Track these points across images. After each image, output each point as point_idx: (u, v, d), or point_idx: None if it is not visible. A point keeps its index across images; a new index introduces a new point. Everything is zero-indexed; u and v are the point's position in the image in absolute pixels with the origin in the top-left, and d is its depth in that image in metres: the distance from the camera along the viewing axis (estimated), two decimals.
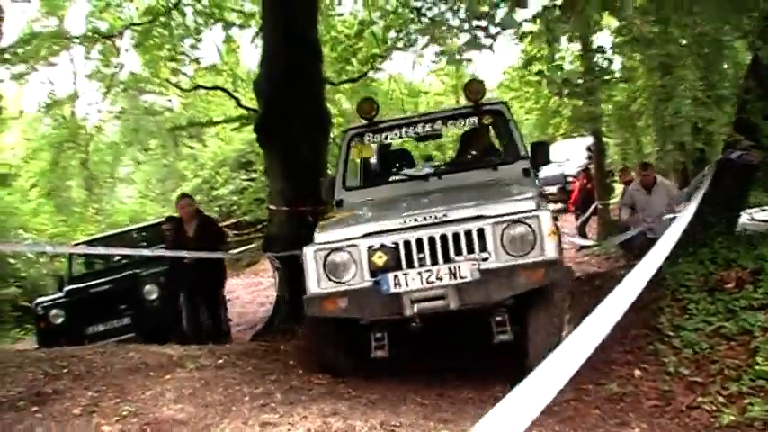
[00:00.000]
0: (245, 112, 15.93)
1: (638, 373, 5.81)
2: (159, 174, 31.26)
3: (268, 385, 5.54)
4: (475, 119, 7.28)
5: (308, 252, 5.80)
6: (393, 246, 5.61)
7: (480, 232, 5.52)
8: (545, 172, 16.15)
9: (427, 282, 5.46)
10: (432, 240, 5.57)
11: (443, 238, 5.55)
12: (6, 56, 14.06)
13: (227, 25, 14.70)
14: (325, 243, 5.82)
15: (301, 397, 5.22)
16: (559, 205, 20.79)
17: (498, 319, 5.62)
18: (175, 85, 18.17)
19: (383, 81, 19.91)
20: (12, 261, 18.83)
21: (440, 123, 7.42)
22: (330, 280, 5.74)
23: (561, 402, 5.22)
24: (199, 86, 17.72)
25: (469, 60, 8.41)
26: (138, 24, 14.14)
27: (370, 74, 16.75)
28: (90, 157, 27.47)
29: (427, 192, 6.91)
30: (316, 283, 5.76)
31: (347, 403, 5.00)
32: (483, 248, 5.50)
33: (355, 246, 5.70)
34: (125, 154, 29.42)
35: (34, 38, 14.47)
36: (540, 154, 6.95)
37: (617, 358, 6.09)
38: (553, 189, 21.61)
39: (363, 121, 7.53)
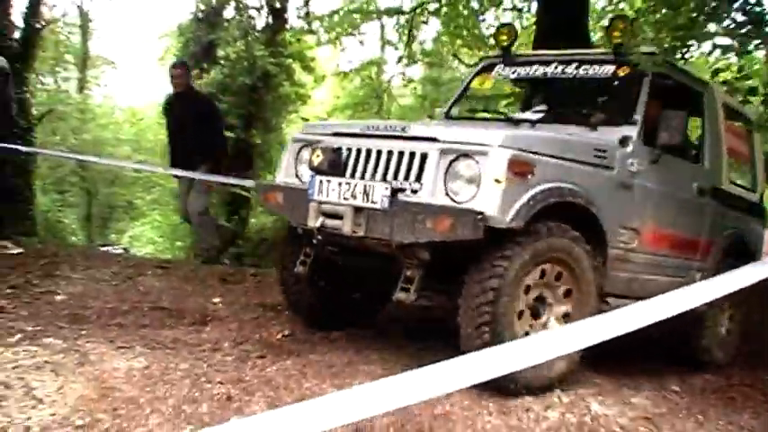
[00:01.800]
0: None
1: None
2: None
3: None
4: (612, 68, 5.71)
5: (289, 142, 5.49)
6: (334, 148, 4.87)
7: (423, 157, 4.50)
8: None
9: (343, 196, 4.69)
10: (377, 153, 4.72)
11: (389, 153, 4.66)
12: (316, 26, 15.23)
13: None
14: (305, 134, 5.37)
15: None
16: None
17: (407, 272, 4.62)
18: (461, 60, 18.20)
19: None
20: None
21: (574, 68, 5.94)
22: (288, 174, 5.29)
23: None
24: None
25: None
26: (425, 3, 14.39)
27: None
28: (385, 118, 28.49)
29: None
30: (282, 173, 5.36)
31: None
32: (420, 177, 4.49)
33: (318, 141, 5.06)
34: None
35: (341, 11, 15.23)
36: (668, 125, 5.21)
37: None
38: None
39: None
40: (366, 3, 17.32)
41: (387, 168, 4.64)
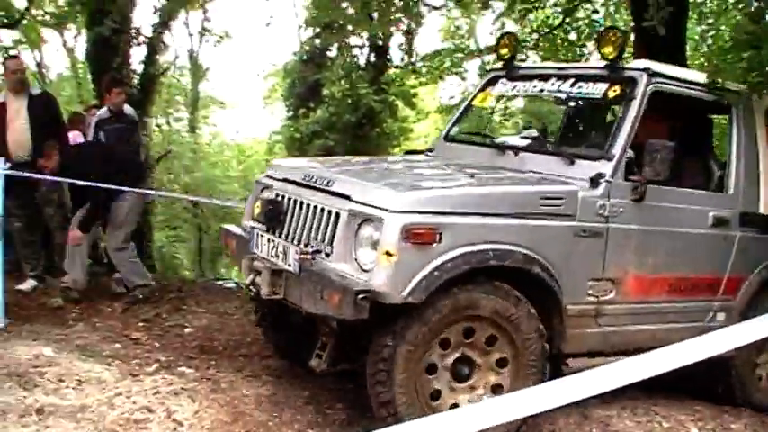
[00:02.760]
0: None
1: None
2: None
3: None
4: (604, 86, 4.92)
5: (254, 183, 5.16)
6: (272, 199, 4.60)
7: (337, 217, 4.07)
8: None
9: (269, 253, 4.40)
10: (307, 207, 4.33)
11: (315, 208, 4.26)
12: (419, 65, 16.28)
13: None
14: (265, 177, 5.03)
15: None
16: None
17: (322, 339, 4.38)
18: None
19: None
20: None
21: (569, 85, 5.19)
22: (248, 219, 4.93)
23: None
24: None
25: None
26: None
27: None
28: None
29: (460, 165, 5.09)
30: (245, 217, 5.01)
31: None
32: (333, 239, 4.08)
33: (269, 187, 4.84)
34: None
35: (440, 54, 15.98)
36: (653, 158, 4.43)
37: None
38: None
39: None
40: (466, 39, 17.66)
41: (312, 225, 4.26)
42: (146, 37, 12.90)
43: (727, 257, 5.17)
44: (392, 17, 10.08)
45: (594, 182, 4.43)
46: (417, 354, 3.87)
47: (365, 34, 14.43)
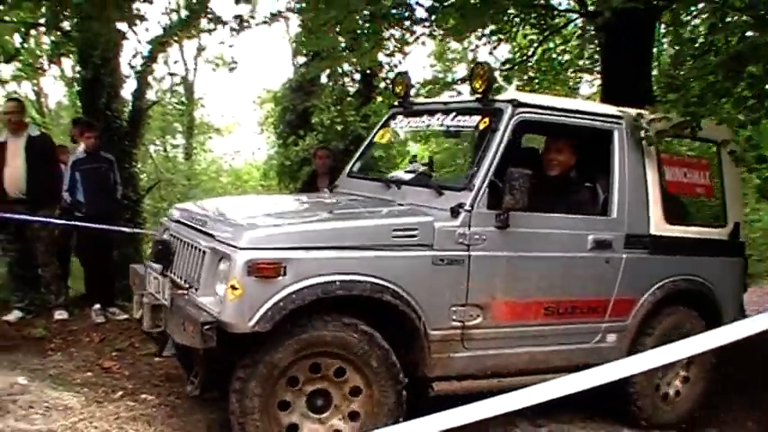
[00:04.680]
0: None
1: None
2: None
3: None
4: (477, 118, 5.08)
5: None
6: (160, 239, 4.95)
7: (203, 254, 4.38)
8: None
9: (155, 289, 4.67)
10: (187, 246, 4.65)
11: (192, 247, 4.58)
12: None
13: None
14: (166, 218, 5.41)
15: None
16: None
17: (195, 367, 4.57)
18: None
19: None
20: None
21: (451, 119, 5.38)
22: None
23: None
24: None
25: None
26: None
27: None
28: None
29: (335, 202, 5.47)
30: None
31: None
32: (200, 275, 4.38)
33: (166, 229, 5.20)
34: None
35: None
36: (512, 186, 4.52)
37: None
38: None
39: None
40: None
41: (190, 262, 4.55)
42: (134, 73, 13.31)
43: (613, 279, 5.25)
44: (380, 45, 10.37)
45: (454, 212, 4.60)
46: (267, 388, 4.13)
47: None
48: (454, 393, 4.59)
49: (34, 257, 7.67)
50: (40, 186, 7.42)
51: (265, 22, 11.96)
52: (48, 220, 7.34)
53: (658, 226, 5.46)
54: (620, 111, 5.48)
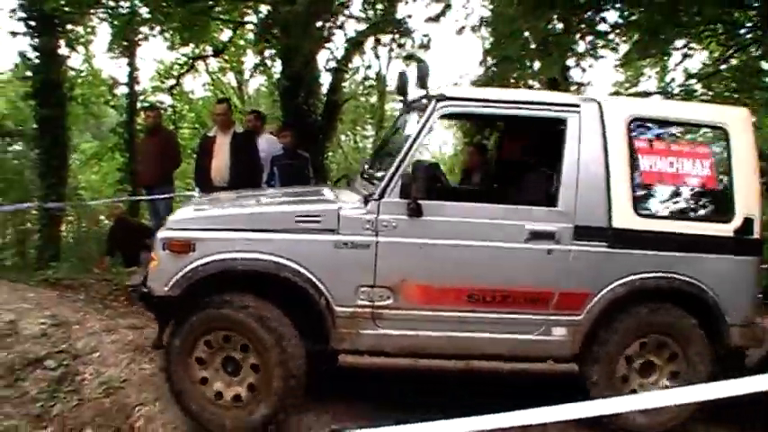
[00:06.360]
0: None
1: None
2: None
3: None
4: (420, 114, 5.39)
5: None
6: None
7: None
8: None
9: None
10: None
11: None
12: None
13: None
14: None
15: None
16: None
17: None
18: None
19: None
20: None
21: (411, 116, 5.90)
22: None
23: None
24: None
25: None
26: None
27: None
28: None
29: (272, 193, 6.85)
30: None
31: None
32: None
33: None
34: None
35: None
36: (415, 179, 4.87)
37: None
38: None
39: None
40: None
41: None
42: (331, 68, 14.03)
43: (557, 272, 5.11)
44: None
45: (365, 200, 5.02)
46: (186, 346, 4.91)
47: None
48: (360, 366, 5.84)
49: None
50: (240, 177, 8.17)
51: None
52: None
53: (624, 219, 5.16)
54: (581, 99, 5.34)
